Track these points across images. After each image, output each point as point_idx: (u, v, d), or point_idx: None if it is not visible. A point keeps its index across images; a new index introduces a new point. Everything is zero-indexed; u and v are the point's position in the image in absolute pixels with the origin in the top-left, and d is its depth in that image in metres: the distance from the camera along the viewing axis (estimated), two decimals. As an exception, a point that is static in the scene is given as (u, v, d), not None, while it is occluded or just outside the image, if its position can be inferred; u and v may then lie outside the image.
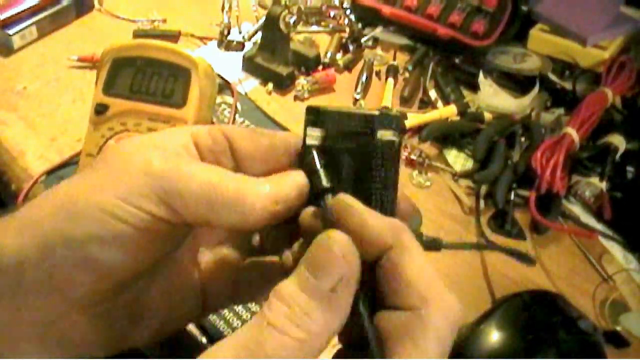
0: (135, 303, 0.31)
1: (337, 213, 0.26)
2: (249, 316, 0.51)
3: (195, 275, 0.34)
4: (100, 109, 0.54)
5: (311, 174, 0.29)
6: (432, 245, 0.50)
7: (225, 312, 0.51)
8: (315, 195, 0.28)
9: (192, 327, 0.50)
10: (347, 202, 0.26)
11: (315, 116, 0.30)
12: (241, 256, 0.34)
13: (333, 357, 0.26)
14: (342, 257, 0.25)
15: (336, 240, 0.25)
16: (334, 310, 0.24)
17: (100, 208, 0.27)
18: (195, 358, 0.23)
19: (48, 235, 0.27)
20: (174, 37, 0.82)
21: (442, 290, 0.26)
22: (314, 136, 0.29)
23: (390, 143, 0.29)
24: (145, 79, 0.53)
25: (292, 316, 0.23)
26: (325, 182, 0.28)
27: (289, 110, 0.74)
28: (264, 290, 0.33)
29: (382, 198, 0.29)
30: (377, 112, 0.29)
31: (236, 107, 0.72)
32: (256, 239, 0.35)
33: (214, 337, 0.50)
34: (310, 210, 0.28)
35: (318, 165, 0.28)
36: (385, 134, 0.29)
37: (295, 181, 0.29)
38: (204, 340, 0.50)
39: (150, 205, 0.27)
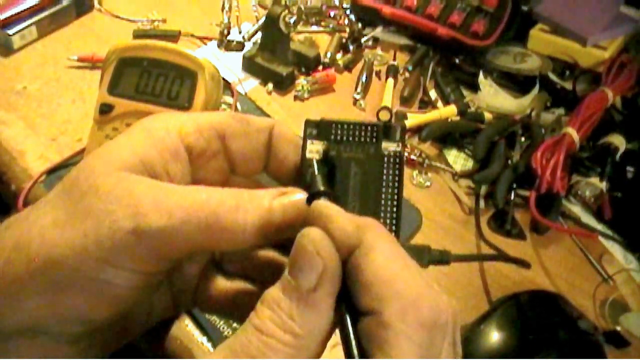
0: (121, 322, 0.30)
1: (310, 216, 0.26)
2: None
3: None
4: (104, 109, 0.54)
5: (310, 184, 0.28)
6: (440, 259, 0.50)
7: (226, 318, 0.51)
8: (309, 199, 0.27)
9: (191, 327, 0.50)
10: (320, 205, 0.26)
11: (315, 129, 0.30)
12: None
13: None
14: (316, 254, 0.24)
15: (309, 238, 0.24)
16: (316, 310, 0.24)
17: (87, 276, 0.26)
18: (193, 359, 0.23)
19: (36, 315, 0.26)
20: (174, 37, 0.82)
21: (403, 288, 0.23)
22: (315, 150, 0.29)
23: (396, 153, 0.29)
24: (151, 80, 0.53)
25: (277, 319, 0.23)
26: (319, 186, 0.27)
27: (289, 110, 0.74)
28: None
29: (391, 204, 0.29)
30: (379, 123, 0.29)
31: (236, 107, 0.72)
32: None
33: (213, 336, 0.50)
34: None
35: (316, 171, 0.28)
36: (390, 145, 0.29)
37: (294, 200, 0.27)
38: (204, 340, 0.50)
39: (141, 265, 0.26)
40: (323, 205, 0.26)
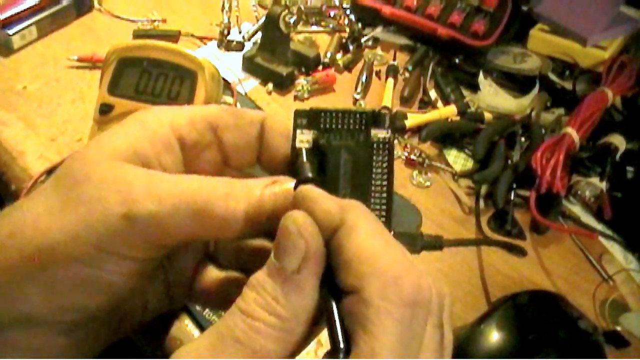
0: (116, 314, 0.30)
1: (295, 200, 0.26)
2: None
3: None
4: (104, 109, 0.54)
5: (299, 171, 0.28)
6: (433, 244, 0.49)
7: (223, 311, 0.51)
8: (296, 186, 0.27)
9: (191, 327, 0.50)
10: (304, 188, 0.26)
11: (305, 119, 0.29)
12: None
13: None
14: (298, 235, 0.24)
15: (292, 219, 0.24)
16: (301, 291, 0.23)
17: (81, 262, 0.26)
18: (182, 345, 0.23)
19: (31, 304, 0.26)
20: (174, 37, 0.82)
21: (384, 265, 0.23)
22: (305, 140, 0.29)
23: (385, 140, 0.29)
24: (151, 80, 0.53)
25: (261, 302, 0.23)
26: (305, 173, 0.27)
27: (289, 110, 0.74)
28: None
29: (380, 192, 0.29)
30: (368, 110, 0.29)
31: (236, 107, 0.72)
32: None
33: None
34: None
35: (304, 159, 0.28)
36: (378, 132, 0.29)
37: (285, 189, 0.27)
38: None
39: (133, 251, 0.26)
40: (306, 189, 0.26)
